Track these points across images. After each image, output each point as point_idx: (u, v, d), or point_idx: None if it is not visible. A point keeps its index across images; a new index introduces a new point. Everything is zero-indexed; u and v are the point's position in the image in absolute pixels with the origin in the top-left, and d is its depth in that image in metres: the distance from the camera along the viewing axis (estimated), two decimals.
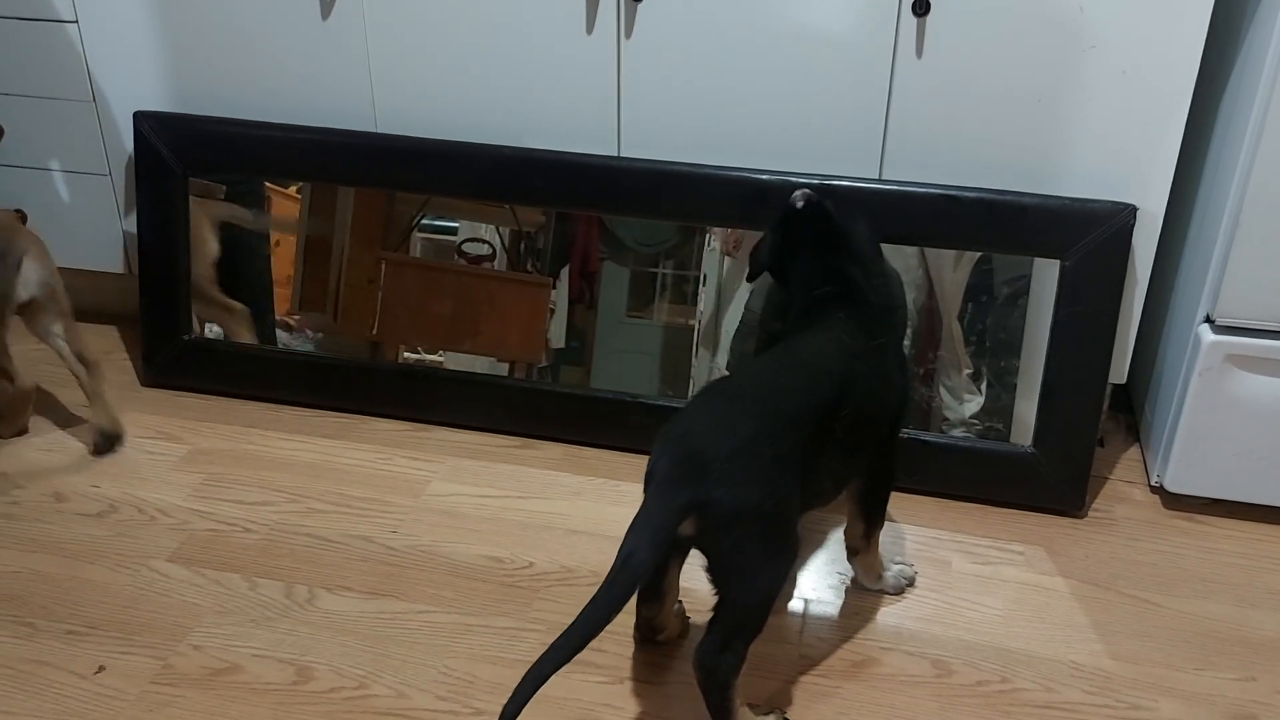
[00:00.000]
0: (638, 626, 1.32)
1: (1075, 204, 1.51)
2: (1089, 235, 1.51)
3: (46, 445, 1.73)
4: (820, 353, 1.26)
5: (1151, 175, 1.51)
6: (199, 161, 1.80)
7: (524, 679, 1.02)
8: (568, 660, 1.03)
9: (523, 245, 1.75)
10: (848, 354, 1.26)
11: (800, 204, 1.39)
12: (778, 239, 1.39)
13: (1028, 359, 1.59)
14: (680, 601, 1.34)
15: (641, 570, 1.06)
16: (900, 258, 1.60)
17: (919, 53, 1.51)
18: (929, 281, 1.61)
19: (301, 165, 1.76)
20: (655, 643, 1.33)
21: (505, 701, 1.02)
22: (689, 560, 1.23)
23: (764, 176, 1.59)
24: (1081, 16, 1.45)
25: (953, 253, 1.59)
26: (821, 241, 1.37)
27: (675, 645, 1.34)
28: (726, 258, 1.67)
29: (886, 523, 1.55)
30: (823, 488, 1.24)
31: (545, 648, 1.31)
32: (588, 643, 1.04)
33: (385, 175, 1.74)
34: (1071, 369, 1.55)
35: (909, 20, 1.49)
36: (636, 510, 1.10)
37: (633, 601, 1.22)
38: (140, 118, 1.79)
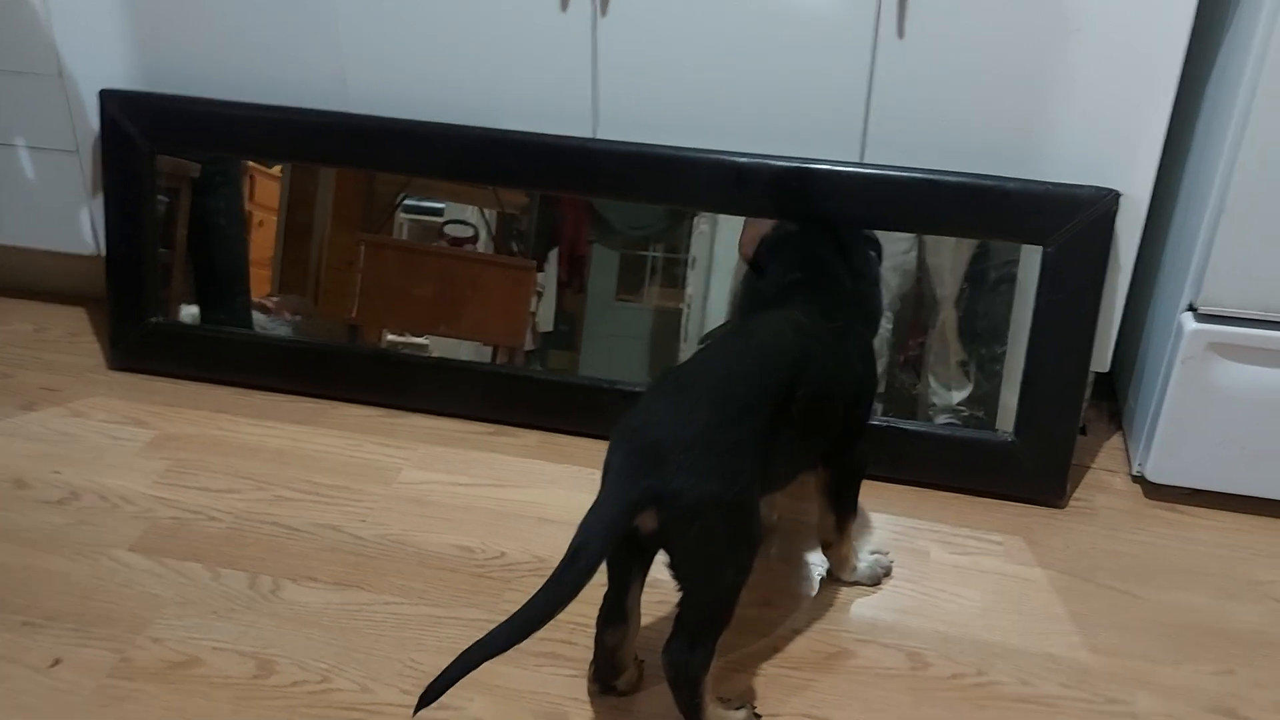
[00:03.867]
0: (596, 664, 1.24)
1: (1058, 189, 1.49)
2: (1072, 221, 1.48)
3: (10, 430, 1.70)
4: (773, 333, 1.24)
5: (1136, 161, 1.48)
6: (166, 140, 1.76)
7: (452, 664, 1.00)
8: (500, 653, 1.00)
9: (509, 228, 1.71)
10: (802, 334, 1.24)
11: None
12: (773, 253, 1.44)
13: (1013, 347, 1.57)
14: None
15: (592, 564, 1.02)
16: (892, 242, 1.56)
17: (900, 33, 1.48)
18: (922, 267, 1.58)
19: (270, 144, 1.73)
20: (614, 690, 1.24)
21: (428, 683, 1.01)
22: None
23: (742, 159, 1.56)
24: None
25: (951, 238, 1.56)
26: (805, 245, 1.41)
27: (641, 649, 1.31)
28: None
29: (865, 511, 1.53)
30: (779, 472, 1.21)
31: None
32: (525, 637, 1.01)
33: (356, 155, 1.70)
34: (1053, 357, 1.53)
35: (891, 0, 1.46)
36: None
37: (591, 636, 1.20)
38: (107, 96, 1.75)
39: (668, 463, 1.05)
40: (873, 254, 1.49)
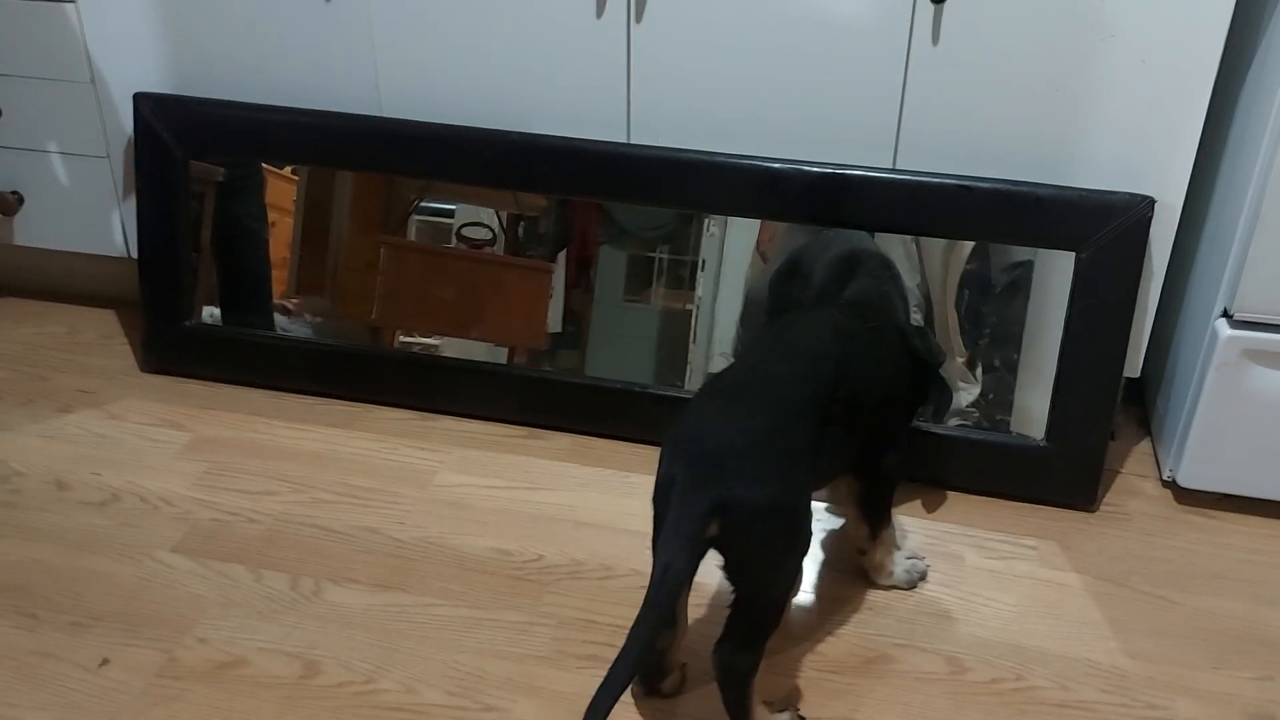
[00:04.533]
0: (642, 667, 1.23)
1: (1092, 195, 1.49)
2: (1106, 227, 1.49)
3: (48, 432, 1.71)
4: (813, 336, 1.27)
5: (1170, 166, 1.49)
6: (199, 144, 1.77)
7: (586, 716, 1.02)
8: (625, 688, 1.02)
9: (521, 229, 1.72)
10: (840, 335, 1.27)
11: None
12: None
13: (1030, 350, 1.57)
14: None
15: (681, 580, 1.04)
16: (900, 243, 1.57)
17: (935, 40, 1.49)
18: (923, 267, 1.59)
19: (304, 149, 1.74)
20: (658, 692, 1.25)
21: None
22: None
23: (776, 165, 1.57)
24: (1101, 4, 1.42)
25: (942, 240, 1.57)
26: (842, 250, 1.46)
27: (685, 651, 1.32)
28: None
29: (898, 515, 1.54)
30: (824, 472, 1.23)
31: (556, 643, 1.33)
32: (640, 665, 1.03)
33: (389, 160, 1.71)
34: (1086, 362, 1.53)
35: (925, 7, 1.47)
36: (658, 521, 1.09)
37: None
38: (140, 100, 1.76)
39: (729, 470, 1.06)
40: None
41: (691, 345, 1.68)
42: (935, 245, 1.57)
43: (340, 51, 1.69)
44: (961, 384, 1.60)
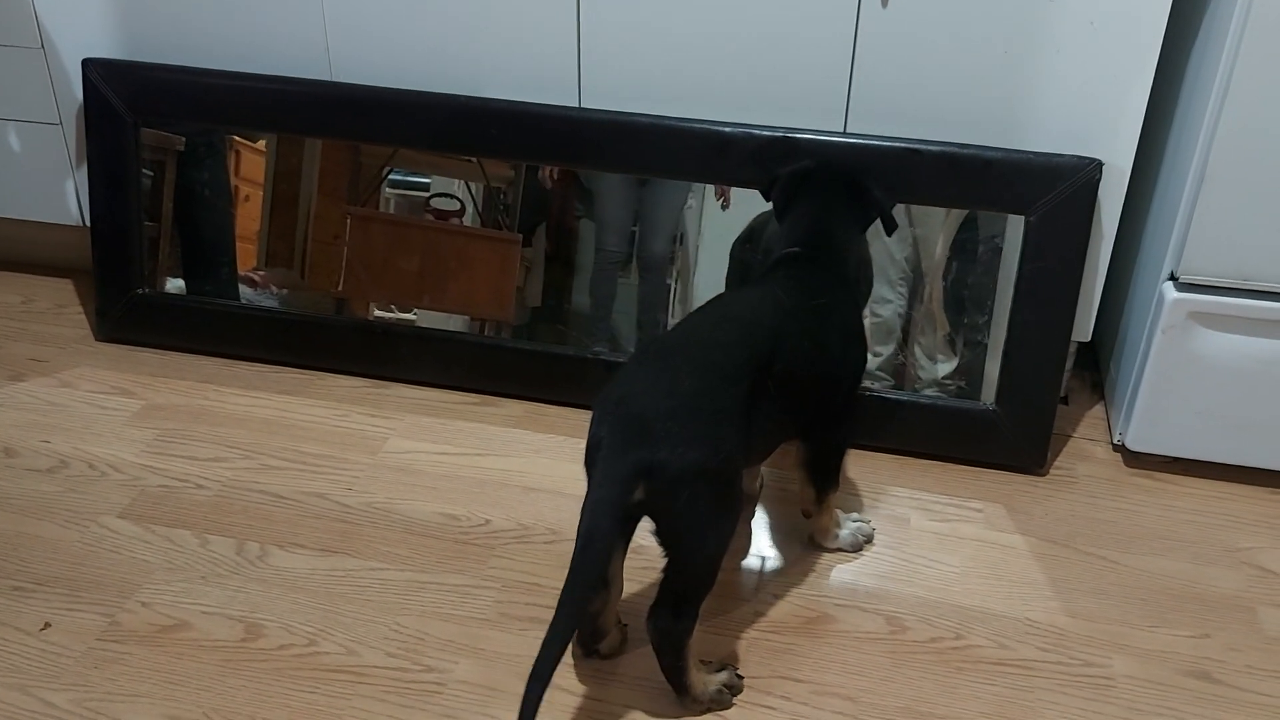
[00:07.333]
0: (579, 629, 1.23)
1: (1040, 158, 1.49)
2: (1054, 190, 1.49)
3: None
4: (751, 306, 1.25)
5: (1118, 130, 1.49)
6: (150, 110, 1.75)
7: (527, 690, 1.00)
8: (560, 656, 1.01)
9: (492, 201, 1.71)
10: (779, 309, 1.25)
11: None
12: (788, 188, 1.41)
13: (996, 317, 1.58)
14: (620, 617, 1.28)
15: (604, 547, 1.04)
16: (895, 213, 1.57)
17: (885, 2, 1.48)
18: (914, 236, 1.58)
19: (253, 115, 1.72)
20: (596, 653, 1.25)
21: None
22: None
23: (726, 129, 1.56)
24: None
25: (940, 210, 1.56)
26: (815, 202, 1.39)
27: (622, 609, 1.33)
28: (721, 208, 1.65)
29: (846, 478, 1.55)
30: (757, 443, 1.21)
31: (499, 606, 1.33)
32: (570, 637, 1.03)
33: (338, 125, 1.70)
34: (1034, 326, 1.54)
35: None
36: (591, 484, 1.08)
37: None
38: (89, 65, 1.74)
39: (654, 434, 1.05)
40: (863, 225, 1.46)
41: (670, 317, 1.68)
42: (932, 215, 1.56)
43: (290, 15, 1.68)
44: (940, 357, 1.60)
